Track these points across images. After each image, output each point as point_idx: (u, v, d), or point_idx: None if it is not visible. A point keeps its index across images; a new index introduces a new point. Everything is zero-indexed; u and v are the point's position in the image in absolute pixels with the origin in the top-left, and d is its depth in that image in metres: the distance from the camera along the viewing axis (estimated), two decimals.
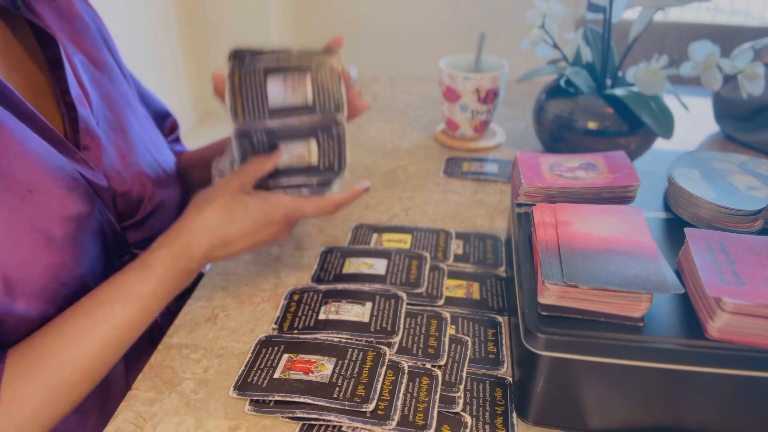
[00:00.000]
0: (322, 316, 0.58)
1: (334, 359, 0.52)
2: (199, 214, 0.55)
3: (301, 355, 0.53)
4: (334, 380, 0.50)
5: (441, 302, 0.61)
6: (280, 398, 0.49)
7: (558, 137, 0.82)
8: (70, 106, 0.57)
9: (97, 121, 0.60)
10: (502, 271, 0.66)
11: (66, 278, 0.51)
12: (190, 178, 0.79)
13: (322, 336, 0.56)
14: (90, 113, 0.59)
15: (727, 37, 1.18)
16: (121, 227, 0.62)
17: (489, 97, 0.89)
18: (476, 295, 0.62)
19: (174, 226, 0.55)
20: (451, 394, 0.50)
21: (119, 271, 0.53)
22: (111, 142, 0.61)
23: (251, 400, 0.49)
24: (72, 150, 0.56)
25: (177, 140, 0.84)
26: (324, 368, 0.51)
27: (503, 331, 0.57)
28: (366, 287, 0.62)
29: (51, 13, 0.61)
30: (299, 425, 0.48)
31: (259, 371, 0.52)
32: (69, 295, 0.52)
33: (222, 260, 0.58)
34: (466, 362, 0.53)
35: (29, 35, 0.58)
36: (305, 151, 0.60)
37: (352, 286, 0.62)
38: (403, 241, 0.70)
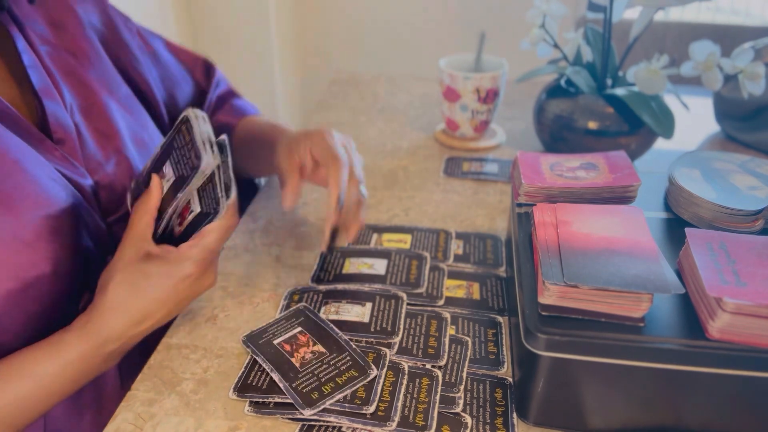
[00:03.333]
0: (322, 317, 0.58)
1: None
2: (105, 295, 0.50)
3: None
4: None
5: (441, 302, 0.60)
6: (280, 400, 0.49)
7: (558, 137, 0.82)
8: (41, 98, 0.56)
9: (70, 112, 0.58)
10: (502, 271, 0.66)
11: (34, 279, 0.50)
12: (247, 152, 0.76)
13: None
14: (60, 104, 0.57)
15: (728, 37, 1.18)
16: (106, 223, 0.60)
17: (489, 97, 0.89)
18: (476, 296, 0.62)
19: (88, 308, 0.51)
20: (451, 395, 0.50)
21: (32, 345, 0.50)
22: (90, 132, 0.59)
23: (251, 401, 0.49)
24: (50, 146, 0.54)
25: (232, 93, 0.82)
26: None
27: (503, 332, 0.57)
28: (366, 287, 0.62)
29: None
30: (299, 426, 0.48)
31: (259, 372, 0.52)
32: (36, 297, 0.50)
33: (149, 332, 0.53)
34: (467, 362, 0.53)
35: None
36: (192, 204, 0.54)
37: (353, 287, 0.62)
38: (403, 241, 0.70)
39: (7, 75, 0.56)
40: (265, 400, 0.49)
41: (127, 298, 0.50)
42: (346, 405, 0.48)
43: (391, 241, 0.70)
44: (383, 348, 0.54)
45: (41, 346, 0.49)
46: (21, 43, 0.56)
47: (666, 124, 0.76)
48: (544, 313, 0.44)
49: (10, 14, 0.57)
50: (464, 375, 0.52)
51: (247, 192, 0.82)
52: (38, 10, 0.60)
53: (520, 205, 0.58)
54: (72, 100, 0.59)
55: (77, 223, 0.55)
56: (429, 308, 0.60)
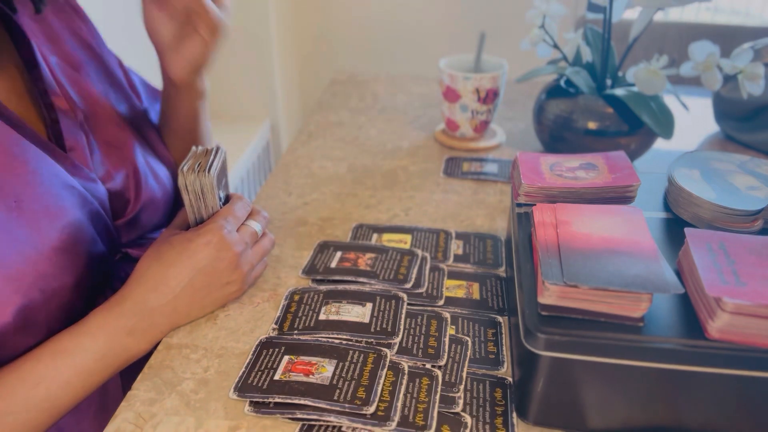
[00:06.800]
0: (322, 317, 0.58)
1: (335, 361, 0.52)
2: (134, 269, 0.55)
3: (301, 357, 0.53)
4: (334, 382, 0.50)
5: (441, 302, 0.61)
6: (280, 400, 0.49)
7: (558, 137, 0.82)
8: (51, 108, 0.57)
9: (79, 121, 0.60)
10: (502, 271, 0.66)
11: (57, 289, 0.51)
12: None
13: (323, 337, 0.56)
14: (70, 114, 0.59)
15: (727, 37, 1.18)
16: (114, 226, 0.61)
17: (489, 97, 0.89)
18: (476, 296, 0.62)
19: None
20: (451, 395, 0.50)
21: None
22: (98, 141, 0.61)
23: (251, 401, 0.49)
24: (61, 155, 0.55)
25: None
26: (325, 370, 0.51)
27: (503, 331, 0.57)
28: (367, 288, 0.62)
29: (25, 12, 0.60)
30: (299, 425, 0.48)
31: (259, 373, 0.52)
32: (59, 306, 0.52)
33: (173, 311, 0.55)
34: (466, 362, 0.53)
35: (3, 35, 0.57)
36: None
37: (353, 287, 0.62)
38: (403, 241, 0.70)
39: (16, 84, 0.57)
40: (265, 400, 0.49)
41: (150, 265, 0.55)
42: (346, 405, 0.48)
43: (391, 241, 0.70)
44: (383, 348, 0.54)
45: (68, 328, 0.52)
46: (37, 54, 0.56)
47: (665, 125, 0.76)
48: (543, 313, 0.44)
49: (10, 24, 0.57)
50: (464, 375, 0.52)
51: None
52: (37, 25, 0.61)
53: (519, 205, 0.58)
54: (79, 110, 0.60)
55: (93, 231, 0.56)
56: (429, 308, 0.60)
